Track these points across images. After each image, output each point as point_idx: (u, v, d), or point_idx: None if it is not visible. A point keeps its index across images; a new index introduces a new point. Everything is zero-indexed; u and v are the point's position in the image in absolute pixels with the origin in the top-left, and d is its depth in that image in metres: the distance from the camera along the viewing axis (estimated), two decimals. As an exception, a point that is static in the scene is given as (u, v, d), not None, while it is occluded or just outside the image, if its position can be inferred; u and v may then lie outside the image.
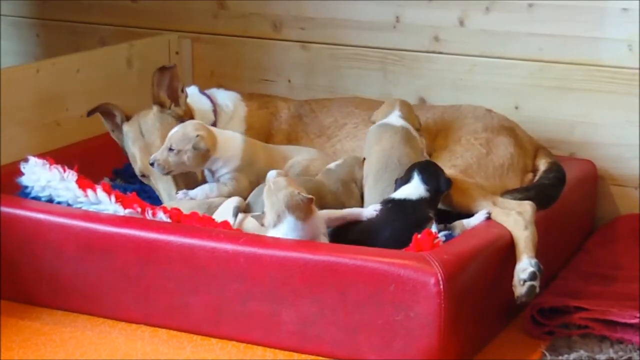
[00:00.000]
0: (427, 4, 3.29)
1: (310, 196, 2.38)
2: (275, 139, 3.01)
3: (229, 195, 2.70)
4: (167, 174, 2.74)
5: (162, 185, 2.82)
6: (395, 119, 2.78)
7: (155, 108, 2.87)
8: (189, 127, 2.73)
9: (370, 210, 2.52)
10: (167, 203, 2.75)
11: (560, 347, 2.38)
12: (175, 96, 2.89)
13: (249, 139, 2.82)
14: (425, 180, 2.52)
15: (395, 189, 2.55)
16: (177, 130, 2.72)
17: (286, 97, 3.20)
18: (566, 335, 2.44)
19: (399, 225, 2.45)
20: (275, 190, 2.39)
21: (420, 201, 2.50)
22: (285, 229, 2.38)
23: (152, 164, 2.71)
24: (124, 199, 2.60)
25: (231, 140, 2.77)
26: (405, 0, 3.31)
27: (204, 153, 2.70)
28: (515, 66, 3.21)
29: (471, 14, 3.24)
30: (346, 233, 2.48)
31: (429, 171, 2.55)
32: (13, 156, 2.87)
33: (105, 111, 2.92)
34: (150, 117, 2.87)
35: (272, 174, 2.45)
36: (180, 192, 2.73)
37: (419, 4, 3.30)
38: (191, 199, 2.70)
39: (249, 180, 2.73)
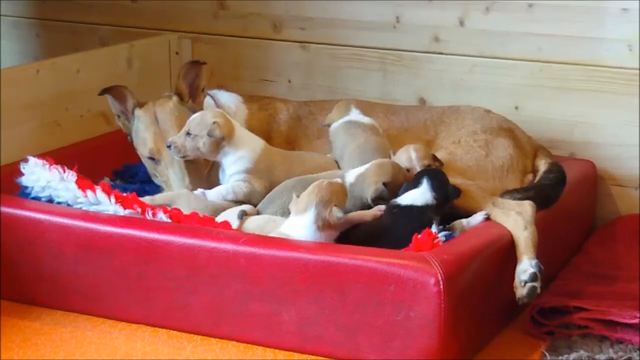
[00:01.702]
0: (427, 4, 3.29)
1: (340, 217, 2.38)
2: (274, 141, 3.00)
3: (244, 199, 2.71)
4: (183, 157, 2.76)
5: (174, 170, 2.82)
6: (359, 116, 2.83)
7: (175, 98, 2.90)
8: (208, 113, 2.77)
9: (374, 211, 2.51)
10: (176, 189, 2.77)
11: (560, 347, 2.38)
12: (195, 93, 2.93)
13: (270, 147, 2.81)
14: (434, 187, 2.50)
15: (401, 193, 2.53)
16: (196, 116, 2.76)
17: (286, 98, 3.20)
18: (566, 335, 2.44)
19: (403, 232, 2.43)
20: (323, 187, 2.41)
21: (425, 207, 2.48)
22: (303, 223, 2.39)
23: (169, 146, 2.74)
24: (124, 199, 2.60)
25: (249, 139, 2.78)
26: (405, 0, 3.31)
27: (219, 141, 2.71)
28: (515, 66, 3.21)
29: (471, 14, 3.24)
30: (349, 237, 2.47)
31: (439, 179, 2.53)
32: (13, 156, 2.87)
33: (118, 94, 2.92)
34: (169, 106, 2.88)
35: (338, 180, 2.48)
36: (199, 191, 2.73)
37: (419, 4, 3.30)
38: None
39: (264, 186, 2.73)
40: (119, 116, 2.95)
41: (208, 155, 2.76)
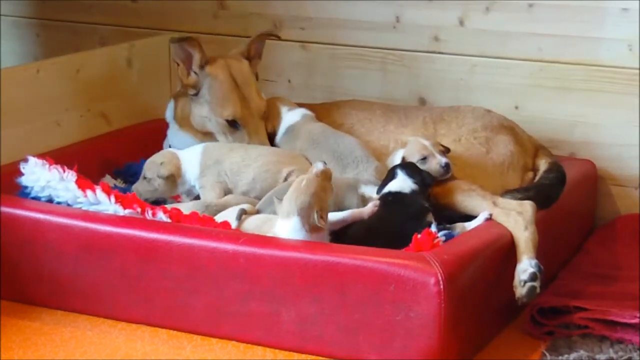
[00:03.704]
0: (427, 4, 3.29)
1: (324, 224, 2.37)
2: None
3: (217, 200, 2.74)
4: (146, 200, 2.77)
5: (259, 138, 2.88)
6: (293, 116, 2.95)
7: (246, 62, 2.96)
8: (158, 155, 2.85)
9: (370, 207, 2.52)
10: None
11: (560, 347, 2.38)
12: (256, 59, 3.01)
13: (211, 144, 2.84)
14: (409, 175, 2.56)
15: (379, 190, 2.57)
16: (149, 160, 2.83)
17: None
18: (566, 335, 2.44)
19: (401, 217, 2.47)
20: (302, 190, 2.38)
21: (413, 193, 2.54)
22: (291, 227, 2.39)
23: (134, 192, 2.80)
24: (123, 199, 2.60)
25: (189, 158, 2.82)
26: (405, 0, 3.32)
27: (170, 178, 2.78)
28: (515, 66, 3.21)
29: (471, 14, 3.24)
30: (350, 230, 2.47)
31: (410, 167, 2.60)
32: (13, 156, 2.87)
33: (189, 45, 2.92)
34: (245, 70, 2.94)
35: (318, 166, 2.44)
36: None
37: (419, 4, 3.30)
38: None
39: (216, 181, 2.76)
40: (178, 64, 2.95)
41: (168, 193, 2.82)
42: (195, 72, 2.93)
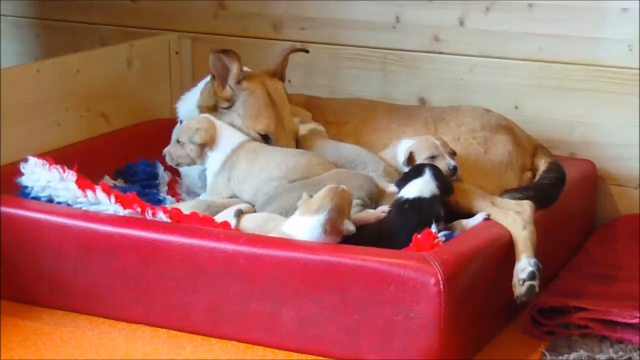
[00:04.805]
0: (427, 4, 3.29)
1: (351, 230, 2.38)
2: None
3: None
4: (177, 165, 2.82)
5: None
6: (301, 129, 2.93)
7: (281, 83, 2.94)
8: (194, 120, 2.79)
9: (378, 212, 2.51)
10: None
11: (560, 347, 2.38)
12: (284, 77, 3.00)
13: (248, 142, 2.78)
14: (436, 177, 2.54)
15: (404, 183, 2.55)
16: (185, 122, 2.79)
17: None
18: (566, 335, 2.44)
19: (414, 225, 2.44)
20: (338, 194, 2.39)
21: (433, 199, 2.51)
22: (310, 224, 2.38)
23: (164, 156, 2.79)
24: (123, 199, 2.60)
25: (227, 137, 2.77)
26: (405, 0, 3.32)
27: (202, 146, 2.73)
28: (515, 66, 3.21)
29: (471, 14, 3.24)
30: (360, 235, 2.44)
31: (437, 170, 2.58)
32: (13, 156, 2.87)
33: (228, 58, 2.88)
34: (281, 90, 2.92)
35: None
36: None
37: (419, 4, 3.30)
38: None
39: (226, 185, 2.73)
40: (214, 76, 2.90)
41: (197, 161, 2.78)
42: (230, 86, 2.88)
